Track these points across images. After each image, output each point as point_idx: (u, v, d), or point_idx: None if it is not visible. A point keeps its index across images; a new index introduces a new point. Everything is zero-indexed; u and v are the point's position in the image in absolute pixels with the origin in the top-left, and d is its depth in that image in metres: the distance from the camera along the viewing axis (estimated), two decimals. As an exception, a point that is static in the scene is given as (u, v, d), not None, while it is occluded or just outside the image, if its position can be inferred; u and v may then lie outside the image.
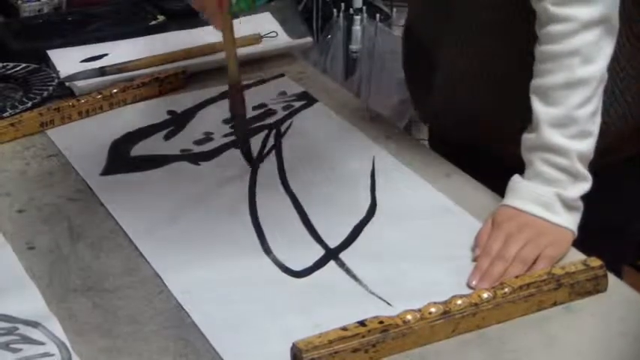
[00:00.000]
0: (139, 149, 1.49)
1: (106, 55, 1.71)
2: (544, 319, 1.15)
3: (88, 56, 1.71)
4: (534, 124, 1.26)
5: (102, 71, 1.66)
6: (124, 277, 1.21)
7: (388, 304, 1.16)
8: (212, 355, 1.09)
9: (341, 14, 2.82)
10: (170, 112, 1.60)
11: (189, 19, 1.87)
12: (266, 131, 1.54)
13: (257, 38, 1.78)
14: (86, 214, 1.34)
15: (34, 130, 1.54)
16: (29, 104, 1.58)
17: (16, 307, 1.15)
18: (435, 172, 1.42)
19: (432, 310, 1.10)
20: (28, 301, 1.16)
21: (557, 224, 1.24)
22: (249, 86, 1.67)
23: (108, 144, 1.50)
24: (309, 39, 1.86)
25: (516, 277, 1.17)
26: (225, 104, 1.61)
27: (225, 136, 1.53)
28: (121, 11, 1.89)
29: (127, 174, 1.43)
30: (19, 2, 1.93)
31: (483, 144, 1.44)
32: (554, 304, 1.16)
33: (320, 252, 1.26)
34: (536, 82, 1.26)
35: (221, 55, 1.73)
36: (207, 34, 1.76)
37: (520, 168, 1.29)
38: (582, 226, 1.26)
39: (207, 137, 1.52)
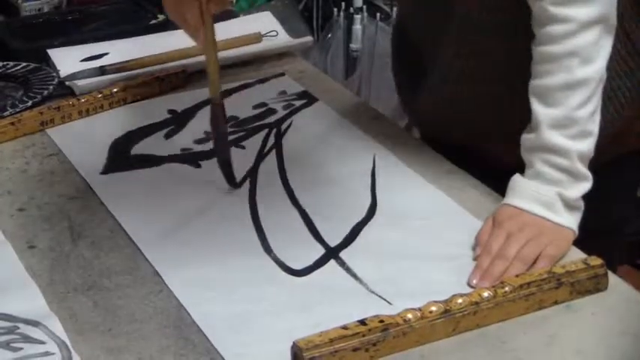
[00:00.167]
0: (140, 148, 1.49)
1: (106, 54, 1.71)
2: (544, 318, 1.15)
3: (88, 55, 1.71)
4: (534, 125, 1.26)
5: (102, 70, 1.66)
6: (124, 276, 1.21)
7: (388, 302, 1.16)
8: (212, 354, 1.09)
9: (341, 13, 2.82)
10: (170, 111, 1.60)
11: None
12: (266, 130, 1.54)
13: (257, 37, 1.78)
14: (86, 213, 1.34)
15: (34, 129, 1.54)
16: (29, 103, 1.58)
17: (16, 306, 1.15)
18: (436, 171, 1.42)
19: (433, 308, 1.10)
20: (29, 300, 1.16)
21: (558, 224, 1.24)
22: (249, 85, 1.68)
23: (108, 143, 1.50)
24: (309, 38, 1.86)
25: (517, 275, 1.17)
26: (225, 103, 1.61)
27: (226, 135, 1.53)
28: (121, 10, 1.89)
29: (128, 173, 1.43)
30: (20, 1, 1.93)
31: (476, 145, 1.44)
32: (555, 302, 1.16)
33: (320, 251, 1.26)
34: (535, 83, 1.26)
35: (221, 54, 1.73)
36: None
37: (506, 169, 1.30)
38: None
39: (208, 136, 1.52)
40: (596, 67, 1.23)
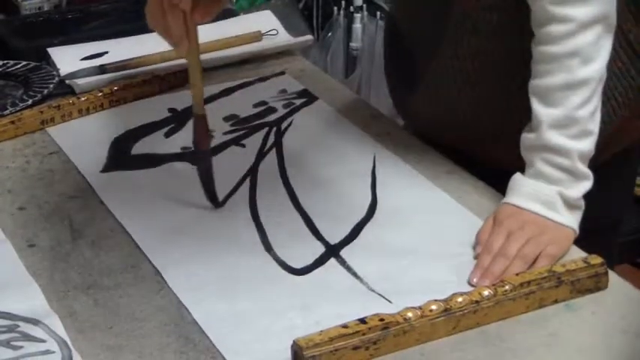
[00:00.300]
0: (140, 147, 1.49)
1: (106, 52, 1.71)
2: (545, 317, 1.15)
3: (89, 54, 1.71)
4: (534, 124, 1.26)
5: (102, 69, 1.66)
6: (124, 275, 1.21)
7: (389, 301, 1.16)
8: (213, 352, 1.09)
9: (341, 12, 2.82)
10: (171, 110, 1.59)
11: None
12: (266, 129, 1.54)
13: (257, 36, 1.78)
14: (87, 211, 1.34)
15: (34, 127, 1.54)
16: (30, 102, 1.58)
17: (16, 304, 1.15)
18: (436, 170, 1.42)
19: (433, 307, 1.10)
20: (29, 298, 1.16)
21: (559, 223, 1.24)
22: (249, 84, 1.68)
23: (108, 142, 1.50)
24: (309, 37, 1.86)
25: (517, 274, 1.17)
26: (225, 102, 1.62)
27: (226, 133, 1.53)
28: (121, 9, 1.89)
29: (128, 171, 1.43)
30: (20, 0, 1.93)
31: (471, 146, 1.44)
32: (555, 301, 1.17)
33: (320, 249, 1.26)
34: (535, 83, 1.26)
35: (221, 53, 1.74)
36: (208, 33, 1.76)
37: (502, 170, 1.30)
38: None
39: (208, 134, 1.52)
40: (596, 67, 1.23)
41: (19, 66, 1.68)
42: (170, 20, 1.20)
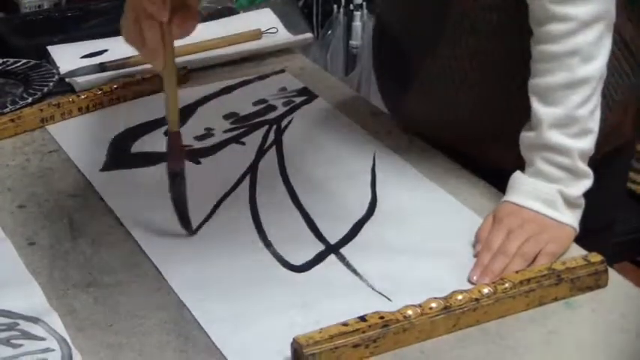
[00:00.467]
0: (140, 145, 1.49)
1: (106, 51, 1.71)
2: (545, 315, 1.15)
3: (89, 52, 1.71)
4: (534, 123, 1.26)
5: (102, 67, 1.66)
6: (124, 273, 1.21)
7: (388, 299, 1.16)
8: (212, 351, 1.09)
9: (341, 10, 2.82)
10: (170, 108, 1.59)
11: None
12: (266, 127, 1.54)
13: (257, 34, 1.78)
14: (86, 209, 1.34)
15: (34, 125, 1.54)
16: (29, 100, 1.58)
17: (16, 302, 1.15)
18: (436, 168, 1.42)
19: (433, 305, 1.10)
20: (29, 296, 1.16)
21: (559, 221, 1.24)
22: (249, 82, 1.68)
23: (108, 140, 1.50)
24: (309, 35, 1.86)
25: (517, 272, 1.17)
26: (225, 100, 1.62)
27: (226, 132, 1.53)
28: (121, 7, 1.87)
29: (128, 170, 1.43)
30: (20, -2, 1.93)
31: (467, 147, 1.43)
32: (555, 299, 1.17)
33: (320, 247, 1.26)
34: (534, 82, 1.25)
35: (221, 51, 1.74)
36: (208, 31, 1.77)
37: (499, 170, 1.30)
38: None
39: (208, 133, 1.52)
40: (596, 66, 1.23)
41: (19, 64, 1.68)
42: (146, 33, 1.15)
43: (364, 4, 2.81)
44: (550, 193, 1.24)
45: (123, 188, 1.38)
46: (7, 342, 1.09)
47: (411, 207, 1.34)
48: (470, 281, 1.18)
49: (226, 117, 1.57)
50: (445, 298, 1.11)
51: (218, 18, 1.85)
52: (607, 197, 1.40)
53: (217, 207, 1.34)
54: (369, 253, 1.24)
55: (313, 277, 1.21)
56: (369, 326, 1.07)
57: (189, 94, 1.64)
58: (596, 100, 1.24)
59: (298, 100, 1.62)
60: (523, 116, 1.27)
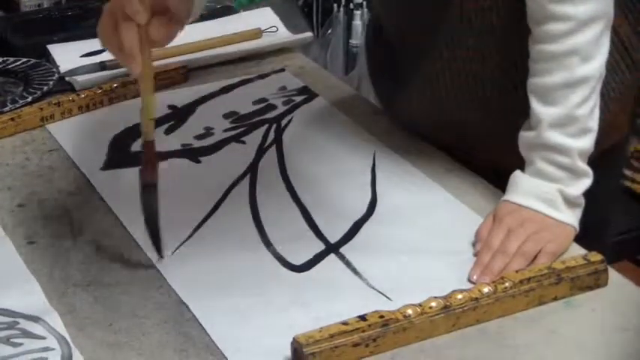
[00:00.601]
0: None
1: (106, 49, 1.71)
2: (544, 314, 1.15)
3: (89, 51, 1.71)
4: (534, 123, 1.25)
5: (102, 66, 1.66)
6: (124, 272, 1.21)
7: (388, 298, 1.16)
8: (212, 349, 1.09)
9: (341, 9, 2.82)
10: (170, 107, 1.60)
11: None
12: (266, 126, 1.54)
13: (257, 33, 1.78)
14: (86, 208, 1.34)
15: (34, 124, 1.54)
16: (29, 99, 1.58)
17: (16, 301, 1.15)
18: (436, 167, 1.42)
19: (433, 304, 1.10)
20: (29, 295, 1.16)
21: (559, 220, 1.24)
22: (249, 81, 1.68)
23: (108, 139, 1.50)
24: (309, 34, 1.86)
25: (517, 271, 1.17)
26: (225, 99, 1.62)
27: (226, 130, 1.53)
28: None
29: (128, 169, 1.43)
30: (20, -3, 1.93)
31: (464, 147, 1.43)
32: (555, 298, 1.17)
33: (320, 247, 1.26)
34: (533, 81, 1.25)
35: (221, 50, 1.74)
36: (208, 30, 1.77)
37: (497, 169, 1.30)
38: None
39: (208, 132, 1.52)
40: (595, 65, 1.23)
41: (18, 63, 1.69)
42: (123, 35, 1.11)
43: (364, 2, 2.81)
44: (550, 193, 1.24)
45: (123, 187, 1.38)
46: (7, 341, 1.09)
47: (411, 206, 1.34)
48: (470, 280, 1.18)
49: (226, 116, 1.57)
50: (445, 298, 1.11)
51: (218, 17, 1.85)
52: (603, 194, 1.39)
53: (217, 206, 1.34)
54: (369, 252, 1.24)
55: (313, 277, 1.21)
56: (369, 325, 1.07)
57: (188, 93, 1.64)
58: (595, 99, 1.24)
59: (298, 99, 1.62)
60: (522, 116, 1.27)
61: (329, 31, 2.82)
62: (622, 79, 1.35)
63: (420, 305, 1.10)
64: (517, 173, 1.28)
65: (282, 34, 1.81)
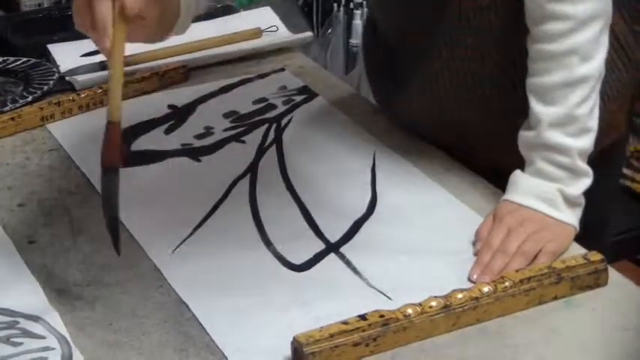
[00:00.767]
0: (140, 143, 1.49)
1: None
2: (544, 313, 1.15)
3: (89, 50, 1.70)
4: (533, 123, 1.25)
5: (102, 65, 1.66)
6: (124, 271, 1.21)
7: (389, 298, 1.16)
8: (212, 349, 1.09)
9: (341, 8, 2.82)
10: (170, 107, 1.60)
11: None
12: (266, 125, 1.54)
13: (257, 32, 1.78)
14: (87, 208, 1.34)
15: (34, 124, 1.54)
16: (30, 98, 1.58)
17: (16, 301, 1.15)
18: (436, 167, 1.42)
19: (433, 303, 1.10)
20: (29, 295, 1.16)
21: (559, 220, 1.24)
22: (249, 80, 1.68)
23: (108, 138, 1.50)
24: (309, 33, 1.86)
25: (517, 271, 1.17)
26: (225, 98, 1.62)
27: (226, 130, 1.53)
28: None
29: (128, 168, 1.42)
30: (20, -3, 1.93)
31: (467, 146, 1.43)
32: (555, 298, 1.17)
33: (320, 246, 1.26)
34: (533, 81, 1.25)
35: (221, 50, 1.74)
36: (208, 29, 1.77)
37: (496, 169, 1.29)
38: None
39: (208, 131, 1.52)
40: (595, 64, 1.23)
41: (19, 62, 1.69)
42: (97, 9, 1.05)
43: (364, 2, 2.81)
44: (550, 192, 1.24)
45: (123, 187, 1.37)
46: (7, 340, 1.09)
47: (411, 206, 1.34)
48: (470, 280, 1.18)
49: (226, 115, 1.57)
50: (445, 297, 1.11)
51: (218, 16, 1.86)
52: (603, 193, 1.40)
53: (217, 206, 1.34)
54: (369, 251, 1.24)
55: (313, 276, 1.21)
56: (369, 325, 1.07)
57: (188, 92, 1.64)
58: (594, 98, 1.24)
59: (298, 98, 1.62)
60: (522, 115, 1.27)
61: (329, 30, 2.82)
62: (619, 78, 1.35)
63: (420, 305, 1.10)
64: (517, 173, 1.28)
65: (282, 34, 1.81)
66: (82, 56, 1.69)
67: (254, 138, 1.50)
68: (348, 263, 1.22)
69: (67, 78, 1.65)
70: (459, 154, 1.44)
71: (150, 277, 1.20)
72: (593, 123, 1.25)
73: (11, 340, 1.09)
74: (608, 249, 1.32)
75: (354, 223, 1.30)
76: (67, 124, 1.55)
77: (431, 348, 1.09)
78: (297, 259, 1.23)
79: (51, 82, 1.62)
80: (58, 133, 1.52)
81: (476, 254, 1.23)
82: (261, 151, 1.47)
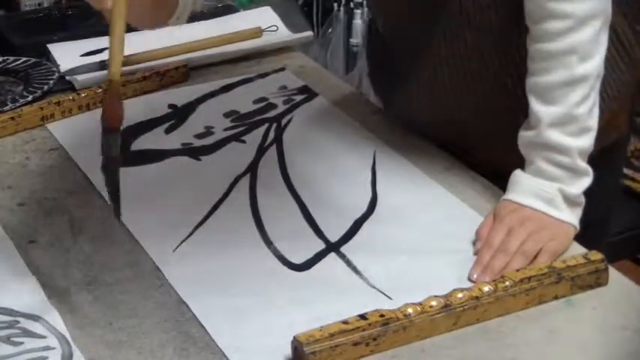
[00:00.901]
0: (140, 143, 1.49)
1: (106, 48, 1.69)
2: (545, 313, 1.15)
3: (89, 50, 1.71)
4: (533, 122, 1.25)
5: (102, 65, 1.66)
6: (124, 271, 1.21)
7: (389, 297, 1.16)
8: (212, 348, 1.09)
9: (341, 8, 2.82)
10: (171, 106, 1.59)
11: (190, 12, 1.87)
12: (267, 125, 1.54)
13: (257, 32, 1.78)
14: (87, 207, 1.34)
15: (34, 123, 1.54)
16: (30, 98, 1.58)
17: (16, 300, 1.15)
18: (436, 166, 1.42)
19: (433, 303, 1.10)
20: (29, 294, 1.16)
21: (559, 219, 1.24)
22: (249, 80, 1.68)
23: (108, 138, 1.50)
24: (309, 33, 1.86)
25: (517, 270, 1.17)
26: (226, 98, 1.62)
27: (226, 129, 1.53)
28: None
29: (128, 168, 1.42)
30: (20, -4, 1.93)
31: (466, 145, 1.43)
32: (555, 297, 1.17)
33: (321, 245, 1.26)
34: (532, 81, 1.25)
35: (222, 49, 1.74)
36: (208, 29, 1.77)
37: (496, 168, 1.29)
38: None
39: (208, 131, 1.52)
40: (594, 63, 1.23)
41: (19, 62, 1.69)
42: None
43: (364, 1, 2.81)
44: (550, 192, 1.24)
45: (123, 186, 1.37)
46: (7, 340, 1.09)
47: (411, 205, 1.34)
48: (470, 279, 1.18)
49: (226, 115, 1.57)
50: (445, 297, 1.11)
51: (218, 16, 1.86)
52: (603, 193, 1.40)
53: (218, 205, 1.34)
54: (370, 251, 1.24)
55: (313, 276, 1.21)
56: (370, 324, 1.07)
57: (189, 92, 1.64)
58: (594, 97, 1.24)
59: (298, 98, 1.62)
60: (522, 115, 1.27)
61: (329, 30, 2.82)
62: (620, 78, 1.35)
63: (420, 304, 1.10)
64: (517, 172, 1.28)
65: (283, 34, 1.81)
66: (82, 56, 1.69)
67: (254, 137, 1.50)
68: (348, 263, 1.22)
69: (67, 77, 1.65)
70: (459, 154, 1.44)
71: (150, 277, 1.20)
72: (593, 122, 1.25)
73: (11, 339, 1.09)
74: (609, 248, 1.32)
75: (355, 222, 1.30)
76: (67, 123, 1.55)
77: (431, 347, 1.09)
78: (298, 259, 1.23)
79: (51, 82, 1.62)
80: (58, 133, 1.52)
81: (476, 254, 1.23)
82: (261, 150, 1.47)
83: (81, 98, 1.58)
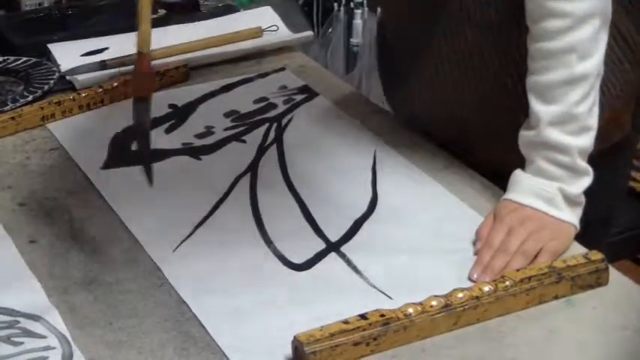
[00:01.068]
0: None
1: (106, 48, 1.71)
2: (545, 313, 1.15)
3: (89, 50, 1.71)
4: (533, 122, 1.25)
5: (103, 65, 1.66)
6: (124, 270, 1.21)
7: (389, 297, 1.16)
8: (213, 348, 1.09)
9: (342, 8, 2.81)
10: (171, 106, 1.59)
11: (191, 12, 1.87)
12: (267, 124, 1.54)
13: (258, 32, 1.78)
14: (87, 207, 1.34)
15: (34, 123, 1.54)
16: (30, 98, 1.58)
17: (17, 300, 1.15)
18: (436, 166, 1.42)
19: (434, 303, 1.10)
20: (30, 294, 1.16)
21: (559, 219, 1.24)
22: (250, 80, 1.68)
23: (109, 138, 1.50)
24: (309, 33, 1.86)
25: (517, 270, 1.17)
26: (226, 98, 1.62)
27: (226, 129, 1.53)
28: (121, 5, 1.89)
29: (128, 167, 1.43)
30: (20, -4, 1.93)
31: (468, 144, 1.43)
32: (556, 297, 1.17)
33: (321, 245, 1.26)
34: (532, 80, 1.25)
35: (222, 49, 1.74)
36: (209, 29, 1.77)
37: (497, 168, 1.29)
38: None
39: (209, 131, 1.52)
40: (594, 62, 1.23)
41: (19, 62, 1.69)
42: None
43: (365, 1, 2.80)
44: (550, 191, 1.24)
45: (123, 186, 1.38)
46: (7, 339, 1.09)
47: (412, 205, 1.34)
48: (470, 279, 1.18)
49: (227, 115, 1.57)
50: (446, 296, 1.11)
51: (219, 16, 1.86)
52: (606, 193, 1.40)
53: (218, 205, 1.34)
54: (370, 251, 1.24)
55: (314, 275, 1.21)
56: (370, 324, 1.07)
57: (189, 92, 1.64)
58: (594, 96, 1.24)
59: (299, 98, 1.62)
60: (522, 114, 1.27)
61: (329, 30, 2.82)
62: (624, 77, 1.35)
63: (420, 304, 1.10)
64: (517, 172, 1.28)
65: (283, 33, 1.81)
66: (82, 56, 1.69)
67: (254, 137, 1.50)
68: (348, 262, 1.22)
69: (67, 77, 1.65)
70: (460, 153, 1.44)
71: (150, 277, 1.20)
72: (593, 121, 1.25)
73: (12, 339, 1.09)
74: (609, 248, 1.32)
75: (355, 222, 1.30)
76: (67, 123, 1.55)
77: (431, 347, 1.09)
78: (298, 259, 1.23)
79: (51, 82, 1.62)
80: (58, 133, 1.52)
81: (476, 253, 1.23)
82: (261, 150, 1.47)
83: (81, 98, 1.58)
